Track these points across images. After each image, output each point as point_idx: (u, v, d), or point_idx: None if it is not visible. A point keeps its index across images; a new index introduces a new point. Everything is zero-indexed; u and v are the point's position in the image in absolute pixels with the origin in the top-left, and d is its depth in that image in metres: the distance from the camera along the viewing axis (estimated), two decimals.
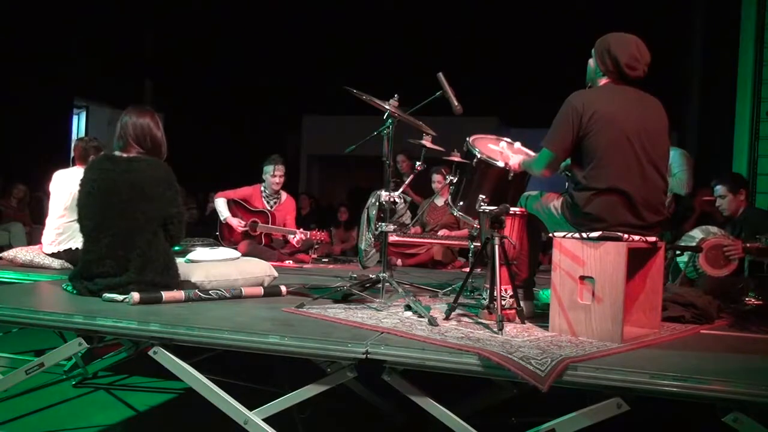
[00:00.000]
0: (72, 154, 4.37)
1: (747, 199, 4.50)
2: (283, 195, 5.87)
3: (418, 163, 3.37)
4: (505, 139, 3.53)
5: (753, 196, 5.94)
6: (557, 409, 2.20)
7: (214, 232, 5.75)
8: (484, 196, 3.14)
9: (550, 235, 2.83)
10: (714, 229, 3.92)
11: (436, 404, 2.22)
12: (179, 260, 3.29)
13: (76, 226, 3.18)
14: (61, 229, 4.08)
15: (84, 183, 3.07)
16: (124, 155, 3.08)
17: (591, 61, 2.86)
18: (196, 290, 3.09)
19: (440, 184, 5.82)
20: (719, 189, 4.49)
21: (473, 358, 2.15)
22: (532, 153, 3.30)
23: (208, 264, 3.39)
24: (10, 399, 3.36)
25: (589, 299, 2.57)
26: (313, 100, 13.36)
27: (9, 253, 4.26)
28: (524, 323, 2.80)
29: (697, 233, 3.85)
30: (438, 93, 3.29)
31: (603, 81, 2.79)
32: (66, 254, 4.05)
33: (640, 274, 2.82)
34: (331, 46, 11.60)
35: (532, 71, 10.79)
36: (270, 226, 5.61)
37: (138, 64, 11.76)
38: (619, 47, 2.71)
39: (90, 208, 3.03)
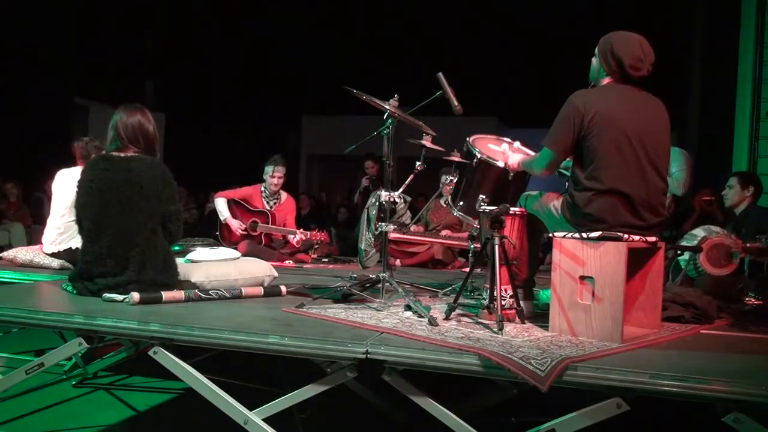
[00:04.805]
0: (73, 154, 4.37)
1: (753, 198, 4.53)
2: (283, 195, 5.86)
3: (418, 163, 3.37)
4: (505, 139, 3.53)
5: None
6: (557, 409, 2.20)
7: (214, 232, 5.75)
8: (484, 196, 3.14)
9: (550, 235, 2.82)
10: (717, 228, 3.92)
11: (436, 404, 2.21)
12: (179, 260, 3.29)
13: (77, 226, 3.19)
14: (62, 228, 4.08)
15: (82, 184, 3.07)
16: (121, 155, 3.08)
17: (594, 61, 2.83)
18: (196, 290, 3.09)
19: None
20: (731, 180, 4.63)
21: (473, 358, 2.15)
22: (531, 153, 3.30)
23: (208, 264, 3.39)
24: (10, 399, 3.35)
25: (589, 299, 2.57)
26: (313, 100, 13.38)
27: (9, 253, 4.26)
28: (524, 323, 2.80)
29: (699, 232, 3.85)
30: (438, 93, 3.29)
31: (606, 81, 2.78)
32: (66, 254, 4.05)
33: (640, 274, 2.82)
34: (331, 46, 11.60)
35: (532, 71, 10.80)
36: (270, 226, 5.61)
37: (138, 64, 11.76)
38: (622, 47, 2.69)
39: (89, 208, 3.03)
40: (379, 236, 3.21)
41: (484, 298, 2.90)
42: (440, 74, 3.29)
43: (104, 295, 2.91)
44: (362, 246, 3.70)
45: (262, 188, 5.78)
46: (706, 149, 8.09)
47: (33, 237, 7.24)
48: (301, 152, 15.09)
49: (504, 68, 11.04)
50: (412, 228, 5.81)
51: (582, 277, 2.59)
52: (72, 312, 2.64)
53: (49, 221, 4.19)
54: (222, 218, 5.65)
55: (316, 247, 5.85)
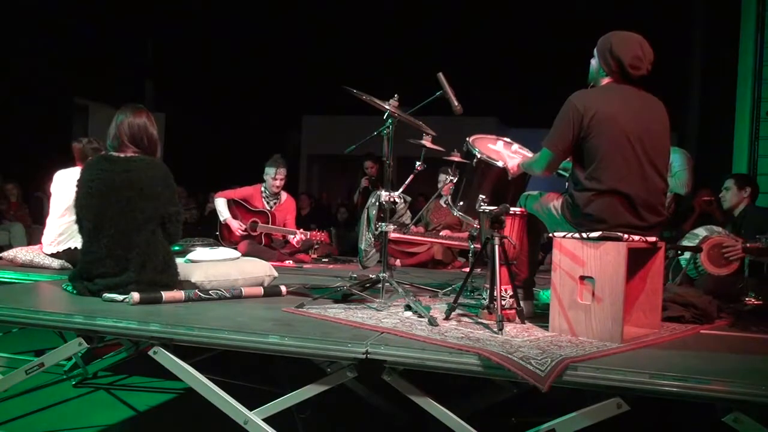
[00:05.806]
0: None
1: (750, 198, 4.55)
2: (283, 195, 5.86)
3: (418, 163, 3.37)
4: (504, 139, 3.53)
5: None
6: (557, 409, 2.20)
7: (214, 232, 5.75)
8: (484, 196, 3.14)
9: (550, 235, 2.83)
10: (718, 228, 3.92)
11: (436, 404, 2.22)
12: (179, 260, 3.29)
13: (77, 226, 3.18)
14: (61, 229, 4.07)
15: (82, 183, 3.06)
16: (122, 155, 3.08)
17: (593, 61, 2.83)
18: (196, 290, 3.09)
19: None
20: (727, 182, 4.65)
21: (473, 358, 2.15)
22: (530, 153, 3.30)
23: (208, 264, 3.39)
24: (10, 399, 3.36)
25: (589, 299, 2.57)
26: (313, 100, 13.38)
27: (9, 253, 4.26)
28: (524, 323, 2.80)
29: (701, 231, 3.85)
30: (438, 93, 3.29)
31: (605, 81, 2.78)
32: (66, 254, 4.05)
33: (640, 274, 2.82)
34: (331, 46, 11.60)
35: (532, 71, 10.80)
36: (270, 226, 5.61)
37: (138, 64, 11.77)
38: (621, 47, 2.69)
39: (89, 208, 3.03)
40: (379, 236, 3.21)
41: (484, 298, 2.91)
42: (440, 74, 3.29)
43: (104, 295, 2.91)
44: (362, 246, 3.70)
45: (262, 188, 5.78)
46: (706, 149, 8.09)
47: (33, 237, 7.24)
48: (301, 152, 15.10)
49: (504, 68, 11.04)
50: (412, 228, 5.81)
51: (582, 277, 2.59)
52: (72, 312, 2.63)
53: (49, 222, 4.18)
54: (222, 218, 5.65)
55: (316, 247, 5.85)
